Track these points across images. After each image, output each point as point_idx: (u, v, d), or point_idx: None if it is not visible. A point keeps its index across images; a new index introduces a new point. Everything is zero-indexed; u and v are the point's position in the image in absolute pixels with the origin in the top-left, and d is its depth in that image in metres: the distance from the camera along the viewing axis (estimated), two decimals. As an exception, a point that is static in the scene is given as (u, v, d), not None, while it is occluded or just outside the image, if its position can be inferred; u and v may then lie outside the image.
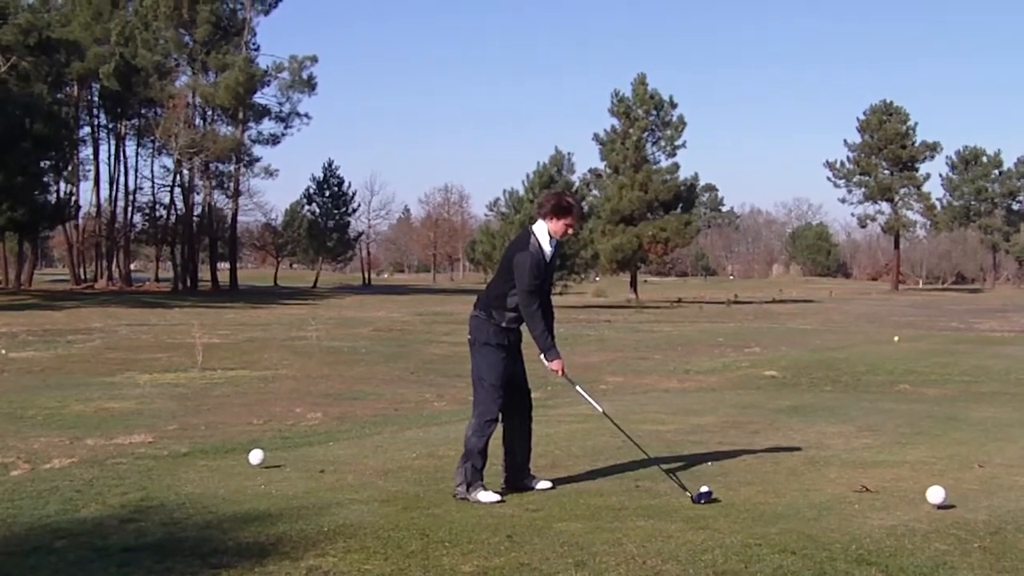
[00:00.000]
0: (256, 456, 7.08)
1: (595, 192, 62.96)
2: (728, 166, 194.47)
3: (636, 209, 60.40)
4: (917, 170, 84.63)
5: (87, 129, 67.68)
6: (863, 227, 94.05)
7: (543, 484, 6.21)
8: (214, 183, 67.01)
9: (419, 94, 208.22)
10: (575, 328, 29.45)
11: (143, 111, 65.09)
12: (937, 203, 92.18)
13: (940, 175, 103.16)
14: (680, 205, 62.40)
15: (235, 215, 69.56)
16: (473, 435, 5.98)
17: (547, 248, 6.02)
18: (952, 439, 8.36)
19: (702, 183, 74.86)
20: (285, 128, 67.48)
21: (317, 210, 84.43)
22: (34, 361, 18.35)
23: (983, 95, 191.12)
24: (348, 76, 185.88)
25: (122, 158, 68.61)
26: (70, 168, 63.30)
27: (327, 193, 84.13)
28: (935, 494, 5.52)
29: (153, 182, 69.33)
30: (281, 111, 66.77)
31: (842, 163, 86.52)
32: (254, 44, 65.96)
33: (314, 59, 65.36)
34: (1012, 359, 18.37)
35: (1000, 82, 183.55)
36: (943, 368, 16.79)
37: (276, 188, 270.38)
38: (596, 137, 63.78)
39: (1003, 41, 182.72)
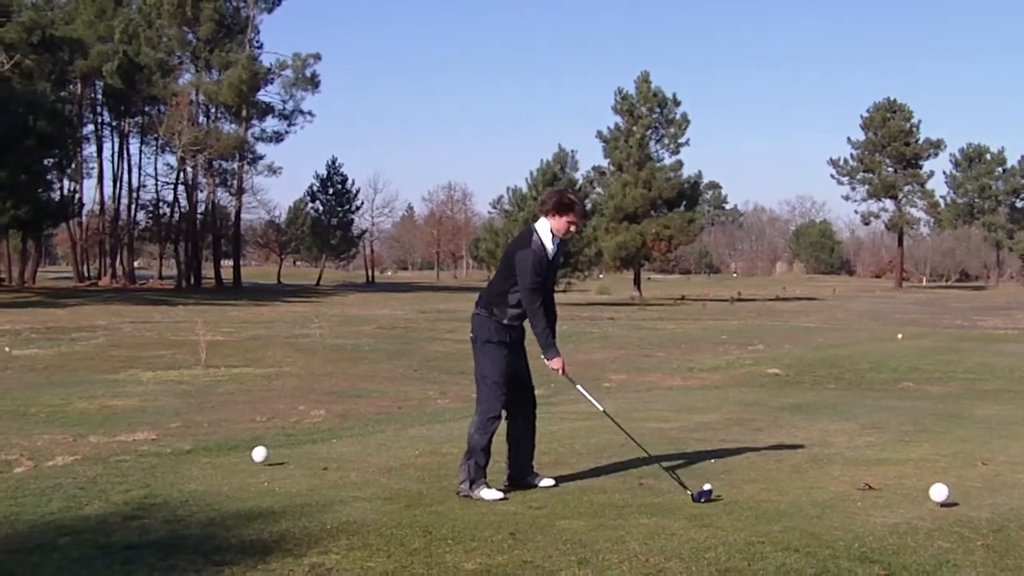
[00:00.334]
0: (259, 453, 7.08)
1: (599, 190, 62.98)
2: (732, 164, 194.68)
3: (640, 207, 60.36)
4: (921, 167, 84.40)
5: (90, 127, 67.93)
6: (867, 224, 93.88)
7: (546, 481, 6.21)
8: (217, 181, 67.05)
9: (422, 92, 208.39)
10: (579, 326, 29.45)
11: (146, 109, 65.19)
12: (941, 200, 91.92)
13: (944, 172, 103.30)
14: (684, 203, 62.34)
15: (238, 213, 69.60)
16: (476, 432, 5.97)
17: (549, 246, 6.01)
18: (956, 437, 8.35)
19: (706, 181, 74.71)
20: (288, 126, 67.64)
21: (320, 208, 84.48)
22: (37, 359, 18.37)
23: (986, 93, 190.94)
24: (352, 74, 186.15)
25: (125, 156, 68.84)
26: (74, 166, 63.43)
27: (331, 191, 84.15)
28: (938, 492, 5.52)
29: (156, 180, 69.57)
30: (284, 109, 66.86)
31: (846, 160, 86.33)
32: (257, 42, 65.99)
33: (317, 57, 65.40)
34: (1016, 357, 18.33)
35: (1003, 80, 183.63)
36: (947, 366, 16.77)
37: (279, 186, 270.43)
38: (600, 135, 63.78)
39: (1006, 39, 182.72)
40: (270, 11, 66.58)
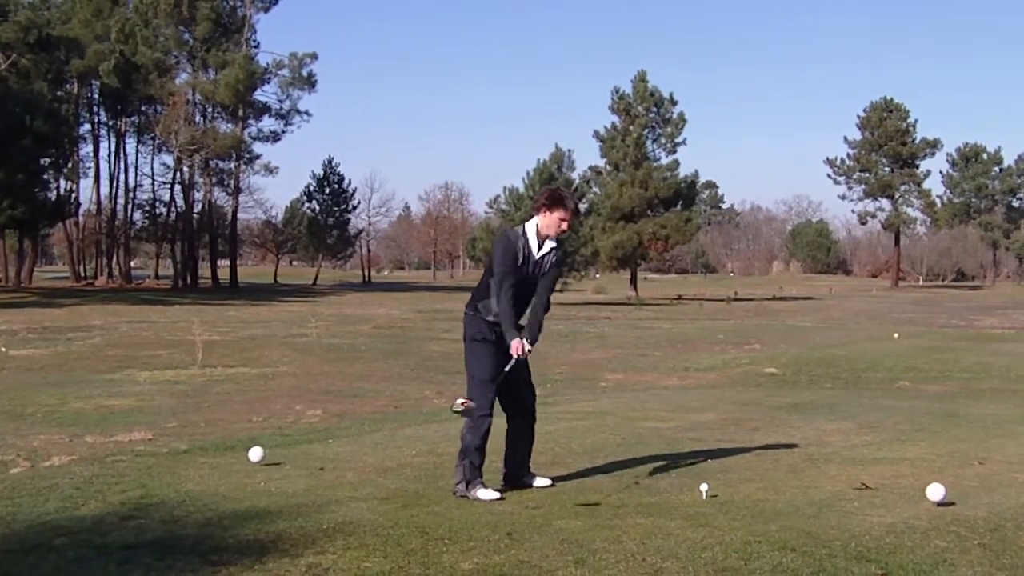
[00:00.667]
0: (256, 453, 7.07)
1: (595, 189, 63.02)
2: (728, 163, 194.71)
3: (636, 206, 60.40)
4: (917, 167, 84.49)
5: (87, 126, 67.86)
6: (863, 224, 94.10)
7: (542, 481, 6.21)
8: (214, 180, 67.04)
9: (419, 92, 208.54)
10: (575, 325, 29.46)
11: (143, 108, 65.10)
12: (937, 200, 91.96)
13: (940, 172, 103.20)
14: (680, 202, 62.41)
15: (235, 212, 69.61)
16: (468, 432, 5.96)
17: (533, 240, 5.99)
18: (952, 436, 8.35)
19: (702, 180, 74.79)
20: (285, 125, 67.58)
21: (317, 207, 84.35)
22: (34, 358, 18.34)
23: (983, 93, 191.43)
24: (348, 73, 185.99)
25: (122, 155, 68.75)
26: (70, 165, 63.26)
27: (327, 190, 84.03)
28: (935, 491, 5.52)
29: (153, 179, 69.49)
30: (281, 108, 66.83)
31: (842, 160, 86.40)
32: (254, 41, 66.01)
33: (314, 56, 65.35)
34: (1012, 356, 18.36)
35: (1000, 80, 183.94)
36: (943, 365, 16.79)
37: (276, 185, 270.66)
38: (596, 134, 63.83)
39: (1003, 39, 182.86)
40: (267, 11, 66.65)
